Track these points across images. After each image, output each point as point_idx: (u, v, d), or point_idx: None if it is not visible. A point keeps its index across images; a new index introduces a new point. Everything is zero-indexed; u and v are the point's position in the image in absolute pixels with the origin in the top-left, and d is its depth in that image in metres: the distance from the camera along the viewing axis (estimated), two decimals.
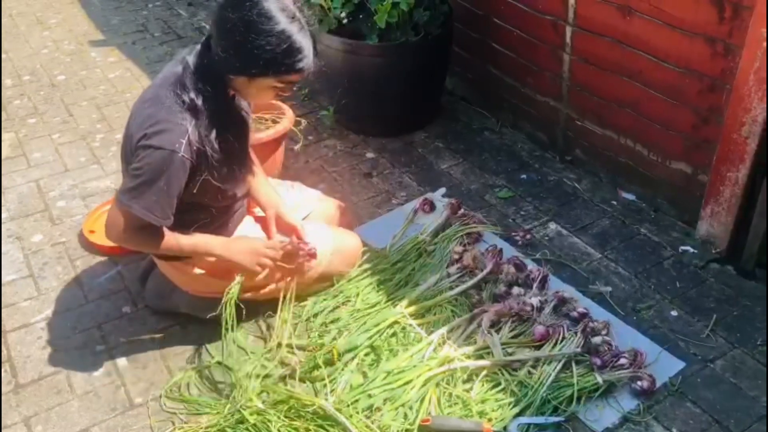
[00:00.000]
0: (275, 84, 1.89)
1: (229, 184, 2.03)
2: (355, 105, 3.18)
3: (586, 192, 2.83)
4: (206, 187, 1.96)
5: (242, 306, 2.08)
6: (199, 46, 1.92)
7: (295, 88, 3.57)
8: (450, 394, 1.97)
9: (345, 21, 2.96)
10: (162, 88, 1.90)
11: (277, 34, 1.79)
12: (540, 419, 1.90)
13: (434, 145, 3.16)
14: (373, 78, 3.04)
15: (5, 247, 2.60)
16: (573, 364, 2.02)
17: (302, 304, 2.30)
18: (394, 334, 2.16)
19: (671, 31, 2.37)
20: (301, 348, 2.15)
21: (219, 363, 2.12)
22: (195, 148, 1.87)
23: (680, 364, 2.06)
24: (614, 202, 2.76)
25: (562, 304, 2.22)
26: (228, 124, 1.96)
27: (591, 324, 2.12)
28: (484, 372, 2.02)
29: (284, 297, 2.16)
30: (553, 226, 2.65)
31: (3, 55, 3.99)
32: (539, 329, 2.09)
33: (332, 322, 2.23)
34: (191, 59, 1.91)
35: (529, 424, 1.89)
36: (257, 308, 2.24)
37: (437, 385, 1.99)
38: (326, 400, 1.92)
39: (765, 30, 2.06)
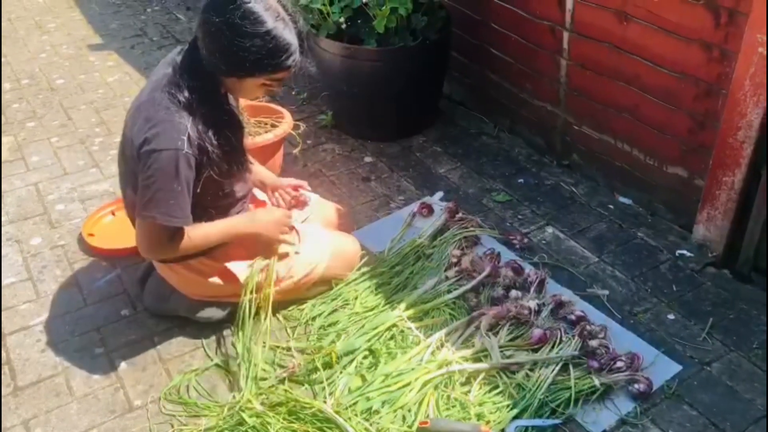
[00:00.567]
0: (264, 82, 1.92)
1: (229, 180, 2.05)
2: (354, 109, 3.20)
3: (584, 196, 2.84)
4: (207, 185, 1.97)
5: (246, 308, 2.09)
6: (186, 46, 1.94)
7: (293, 93, 3.60)
8: (448, 397, 1.98)
9: (344, 26, 2.98)
10: (156, 91, 1.91)
11: (262, 35, 1.81)
12: (538, 422, 1.90)
13: (432, 149, 3.17)
14: (372, 83, 3.06)
15: (4, 250, 2.60)
16: (570, 367, 2.02)
17: (301, 307, 2.31)
18: (392, 337, 2.16)
19: (667, 37, 2.39)
20: (299, 351, 2.16)
21: (218, 365, 2.12)
22: (196, 143, 1.88)
23: (677, 367, 2.07)
24: (611, 206, 2.77)
25: (559, 308, 2.23)
26: (223, 119, 1.98)
27: (588, 327, 2.13)
28: (482, 375, 2.03)
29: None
30: (550, 229, 2.66)
31: (2, 59, 3.99)
32: (537, 332, 2.10)
33: (331, 325, 2.23)
34: (180, 59, 1.92)
35: (526, 427, 1.89)
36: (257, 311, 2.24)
37: (435, 387, 1.99)
38: (325, 402, 1.93)
39: (760, 35, 2.08)
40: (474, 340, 2.12)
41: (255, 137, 2.69)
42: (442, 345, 2.11)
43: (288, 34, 1.85)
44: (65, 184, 2.97)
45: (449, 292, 2.29)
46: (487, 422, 1.90)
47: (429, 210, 2.69)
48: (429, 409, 1.93)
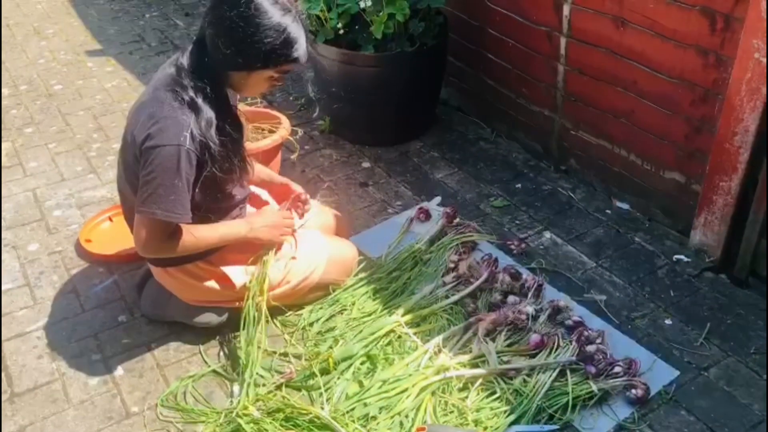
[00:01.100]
0: (272, 74, 1.94)
1: (230, 180, 2.05)
2: (351, 115, 3.20)
3: (581, 201, 2.84)
4: (208, 185, 1.98)
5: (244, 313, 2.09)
6: (191, 47, 1.96)
7: (291, 98, 3.60)
8: (446, 403, 1.98)
9: (341, 32, 2.98)
10: (159, 91, 1.92)
11: (275, 26, 1.85)
12: (535, 427, 1.90)
13: (430, 154, 3.18)
14: (369, 88, 3.06)
15: (1, 256, 2.60)
16: (568, 373, 2.02)
17: (298, 313, 2.30)
18: (389, 343, 2.16)
19: (664, 43, 2.39)
20: (297, 356, 2.15)
21: (215, 372, 2.12)
22: (198, 140, 1.89)
23: (674, 373, 2.07)
24: (608, 212, 2.78)
25: (557, 313, 2.23)
26: (226, 118, 1.99)
27: (586, 332, 2.13)
28: (480, 381, 2.02)
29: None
30: (547, 235, 2.66)
31: (0, 65, 4.00)
32: (534, 338, 2.10)
33: (328, 330, 2.23)
34: (185, 60, 1.94)
35: None
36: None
37: (433, 393, 1.99)
38: (322, 408, 1.92)
39: (756, 41, 2.09)
40: (471, 346, 2.12)
41: (253, 143, 2.69)
42: (439, 351, 2.11)
43: (296, 28, 1.90)
44: (63, 190, 2.97)
45: (447, 297, 2.28)
46: (485, 428, 1.90)
47: (426, 215, 2.69)
48: (426, 415, 1.93)
